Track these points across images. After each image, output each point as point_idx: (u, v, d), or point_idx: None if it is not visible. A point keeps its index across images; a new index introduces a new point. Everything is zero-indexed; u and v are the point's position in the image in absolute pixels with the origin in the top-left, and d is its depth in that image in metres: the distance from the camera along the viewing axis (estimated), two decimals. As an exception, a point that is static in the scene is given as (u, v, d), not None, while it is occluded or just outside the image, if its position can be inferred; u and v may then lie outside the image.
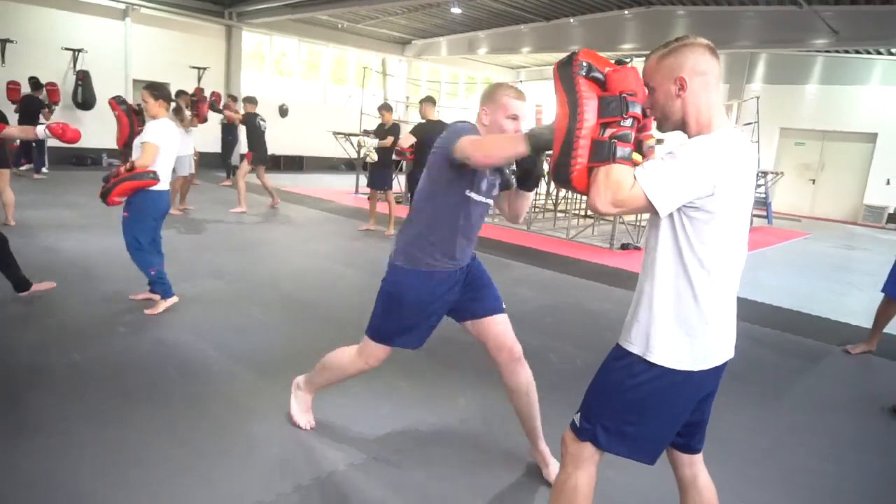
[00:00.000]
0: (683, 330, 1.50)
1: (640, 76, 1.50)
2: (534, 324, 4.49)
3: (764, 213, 11.75)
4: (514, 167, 2.20)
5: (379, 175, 7.61)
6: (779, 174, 12.87)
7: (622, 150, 1.42)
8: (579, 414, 1.63)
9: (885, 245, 10.55)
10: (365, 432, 2.69)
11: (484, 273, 2.42)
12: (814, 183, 14.65)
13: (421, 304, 2.25)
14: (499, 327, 2.36)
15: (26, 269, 4.05)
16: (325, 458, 2.47)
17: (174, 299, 4.08)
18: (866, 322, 4.35)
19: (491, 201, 2.30)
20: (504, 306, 2.41)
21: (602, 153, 1.42)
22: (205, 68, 13.49)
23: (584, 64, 1.46)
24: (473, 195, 2.18)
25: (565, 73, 1.48)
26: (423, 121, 7.03)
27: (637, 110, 1.44)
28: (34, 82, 10.22)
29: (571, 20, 13.23)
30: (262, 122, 8.40)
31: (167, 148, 3.96)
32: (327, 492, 2.26)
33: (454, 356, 3.70)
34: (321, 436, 2.63)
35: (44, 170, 10.37)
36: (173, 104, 4.78)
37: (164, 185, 3.96)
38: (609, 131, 1.43)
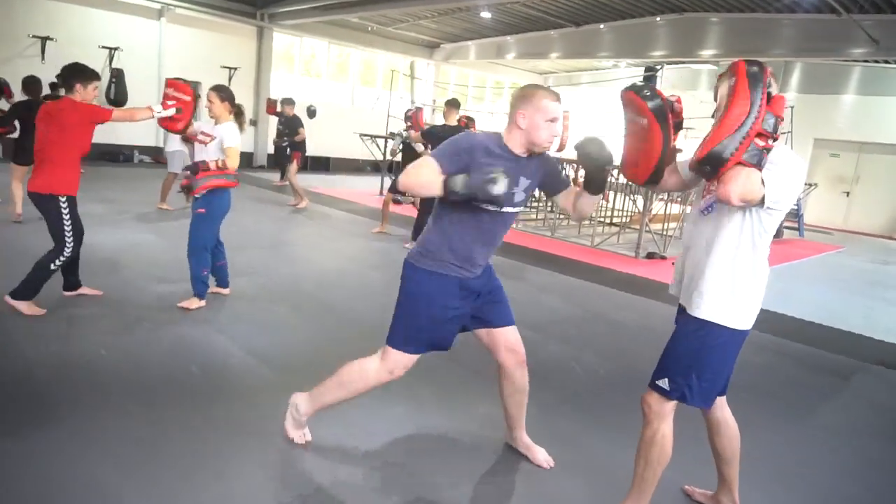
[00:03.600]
0: (744, 297, 1.90)
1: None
2: (558, 333, 4.43)
3: (796, 225, 11.50)
4: (574, 172, 2.31)
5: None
6: (812, 186, 12.58)
7: (764, 162, 1.71)
8: (666, 379, 1.96)
9: (923, 261, 10.22)
10: (381, 437, 2.68)
11: (500, 288, 2.48)
12: (848, 195, 14.30)
13: (437, 305, 2.26)
14: (513, 336, 2.48)
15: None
16: (341, 462, 2.46)
17: (203, 303, 4.12)
18: (903, 340, 4.21)
19: (516, 209, 2.29)
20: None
21: (754, 159, 1.69)
22: (235, 68, 13.67)
23: (770, 80, 1.73)
24: (490, 206, 2.15)
25: (756, 78, 1.69)
26: (439, 125, 6.76)
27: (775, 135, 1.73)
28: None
29: (602, 26, 13.12)
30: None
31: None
32: (342, 495, 2.25)
33: (478, 363, 3.68)
34: (337, 439, 2.62)
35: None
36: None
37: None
38: (761, 143, 1.68)
